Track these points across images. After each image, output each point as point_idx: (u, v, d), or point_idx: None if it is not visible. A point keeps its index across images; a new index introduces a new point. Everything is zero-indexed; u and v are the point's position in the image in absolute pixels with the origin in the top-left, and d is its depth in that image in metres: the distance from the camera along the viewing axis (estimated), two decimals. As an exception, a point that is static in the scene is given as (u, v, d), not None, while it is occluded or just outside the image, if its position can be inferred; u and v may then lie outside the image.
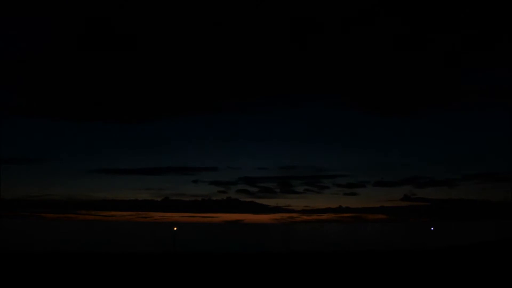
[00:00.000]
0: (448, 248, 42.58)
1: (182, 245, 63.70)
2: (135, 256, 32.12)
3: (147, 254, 35.89)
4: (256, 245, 63.94)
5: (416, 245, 61.89)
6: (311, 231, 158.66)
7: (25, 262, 25.04)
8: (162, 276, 19.87)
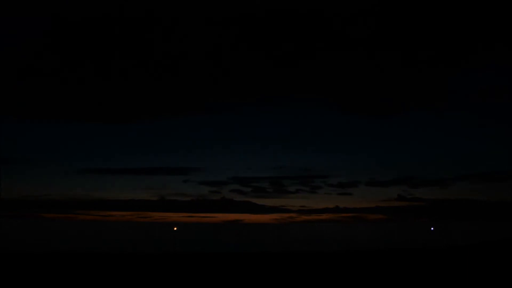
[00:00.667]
0: (448, 248, 42.62)
1: (181, 245, 63.70)
2: (134, 256, 32.10)
3: (147, 254, 35.86)
4: (257, 245, 63.87)
5: (418, 245, 61.91)
6: (311, 231, 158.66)
7: (25, 262, 25.01)
8: (161, 276, 19.86)
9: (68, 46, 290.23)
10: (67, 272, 20.78)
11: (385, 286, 17.27)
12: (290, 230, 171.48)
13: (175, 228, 58.58)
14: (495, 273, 20.90)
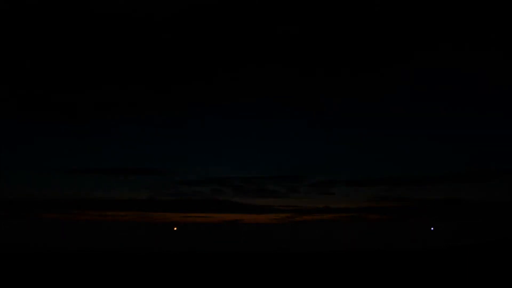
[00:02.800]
0: (448, 248, 42.65)
1: (178, 245, 63.60)
2: (134, 256, 32.11)
3: (146, 254, 35.88)
4: (264, 246, 63.75)
5: (417, 244, 61.90)
6: (310, 231, 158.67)
7: (25, 262, 25.02)
8: (161, 276, 19.86)
9: (65, 47, 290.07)
10: (67, 272, 20.76)
11: (387, 286, 17.28)
12: (293, 230, 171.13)
13: (175, 228, 58.28)
14: (494, 273, 20.89)
